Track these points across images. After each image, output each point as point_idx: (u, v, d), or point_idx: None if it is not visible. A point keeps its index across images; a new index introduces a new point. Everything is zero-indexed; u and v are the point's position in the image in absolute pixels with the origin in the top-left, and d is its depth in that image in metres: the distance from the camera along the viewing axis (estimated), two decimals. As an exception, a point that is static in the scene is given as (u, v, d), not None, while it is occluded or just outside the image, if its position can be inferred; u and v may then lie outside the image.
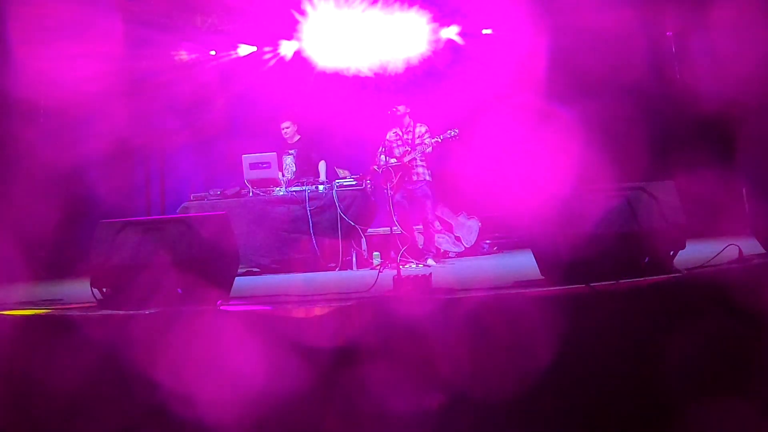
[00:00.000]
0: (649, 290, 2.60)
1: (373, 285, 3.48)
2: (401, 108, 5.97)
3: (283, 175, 6.52)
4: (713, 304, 2.44)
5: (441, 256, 6.55)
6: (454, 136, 5.88)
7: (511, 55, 9.11)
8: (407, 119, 6.06)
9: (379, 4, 8.15)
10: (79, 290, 4.37)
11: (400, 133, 6.05)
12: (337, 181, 6.03)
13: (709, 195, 7.58)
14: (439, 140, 5.89)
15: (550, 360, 2.27)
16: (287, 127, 6.65)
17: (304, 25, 8.55)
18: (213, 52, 9.30)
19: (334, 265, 5.85)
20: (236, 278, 3.67)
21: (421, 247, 6.11)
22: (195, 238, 3.28)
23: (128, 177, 8.52)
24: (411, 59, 8.71)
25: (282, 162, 6.59)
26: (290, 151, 6.63)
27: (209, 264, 3.25)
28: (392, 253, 5.63)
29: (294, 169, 6.55)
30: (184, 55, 9.27)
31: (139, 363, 2.52)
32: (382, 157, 5.90)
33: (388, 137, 6.02)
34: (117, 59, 8.42)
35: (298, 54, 9.12)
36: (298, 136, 6.70)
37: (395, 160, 5.90)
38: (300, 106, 7.52)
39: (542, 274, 3.40)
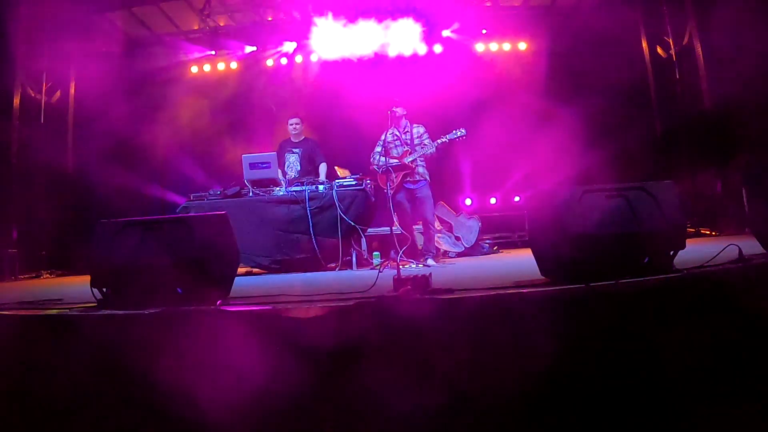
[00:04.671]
0: (649, 290, 2.59)
1: (373, 285, 3.48)
2: (399, 110, 5.95)
3: (285, 173, 6.51)
4: (713, 304, 2.44)
5: (441, 256, 6.55)
6: (461, 137, 5.81)
7: (512, 54, 9.12)
8: (404, 120, 6.04)
9: (378, 10, 8.17)
10: (79, 290, 4.37)
11: (398, 134, 6.04)
12: (337, 181, 6.02)
13: (709, 195, 7.59)
14: (446, 141, 5.83)
15: (550, 360, 2.27)
16: (297, 123, 6.64)
17: (304, 25, 8.57)
18: (213, 52, 9.29)
19: (334, 265, 5.85)
20: (236, 278, 3.67)
21: (421, 247, 6.11)
22: (195, 238, 3.28)
23: (128, 177, 8.53)
24: (411, 59, 8.73)
25: (284, 159, 6.58)
26: (294, 150, 6.62)
27: (209, 264, 3.25)
28: (392, 253, 5.63)
29: (298, 167, 6.55)
30: (184, 56, 9.26)
31: (139, 363, 2.51)
32: (382, 158, 5.89)
33: (385, 138, 6.02)
34: (117, 59, 8.42)
35: (298, 54, 9.13)
36: (303, 136, 6.71)
37: (395, 161, 5.89)
38: (301, 106, 7.53)
39: (542, 274, 3.39)
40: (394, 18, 8.24)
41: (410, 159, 5.89)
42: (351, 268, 5.84)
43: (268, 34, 9.10)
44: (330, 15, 8.26)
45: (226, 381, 2.41)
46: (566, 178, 7.00)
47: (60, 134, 8.73)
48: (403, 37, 8.38)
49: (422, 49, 8.78)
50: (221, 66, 9.32)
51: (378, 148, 6.07)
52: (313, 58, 8.95)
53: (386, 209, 5.74)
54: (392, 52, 8.65)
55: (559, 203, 3.13)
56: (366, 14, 8.25)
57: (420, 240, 6.25)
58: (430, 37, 8.72)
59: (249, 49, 9.20)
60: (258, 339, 2.53)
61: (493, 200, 9.21)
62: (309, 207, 5.82)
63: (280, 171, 6.39)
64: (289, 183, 6.19)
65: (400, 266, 4.90)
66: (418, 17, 8.35)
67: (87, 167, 8.34)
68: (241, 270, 5.62)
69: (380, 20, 8.26)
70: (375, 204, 6.18)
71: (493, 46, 9.13)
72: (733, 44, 6.66)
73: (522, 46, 9.16)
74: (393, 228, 5.65)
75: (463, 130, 5.80)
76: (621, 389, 2.25)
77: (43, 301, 3.75)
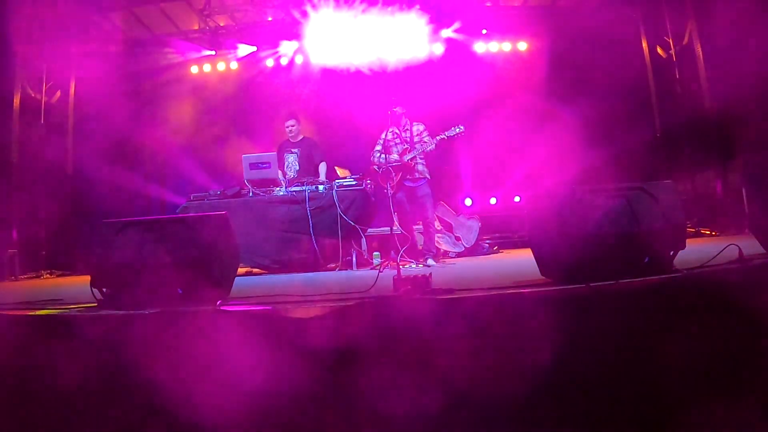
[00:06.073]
0: (649, 290, 2.59)
1: (373, 285, 3.48)
2: (398, 108, 5.96)
3: (285, 174, 6.52)
4: (713, 304, 2.44)
5: (441, 256, 6.55)
6: (459, 133, 5.82)
7: (512, 54, 9.13)
8: (404, 119, 6.05)
9: (379, 5, 8.15)
10: (79, 290, 4.37)
11: (398, 132, 6.05)
12: (337, 181, 6.02)
13: (709, 195, 7.59)
14: (444, 138, 5.84)
15: (550, 360, 2.27)
16: (292, 125, 6.65)
17: (304, 25, 8.57)
18: (213, 52, 9.29)
19: (334, 265, 5.84)
20: (236, 278, 3.67)
21: (421, 247, 6.11)
22: (195, 238, 3.28)
23: (128, 177, 8.54)
24: (411, 58, 8.73)
25: (284, 160, 6.59)
26: (293, 150, 6.63)
27: (209, 264, 3.25)
28: (392, 253, 5.63)
29: (297, 167, 6.55)
30: (183, 56, 9.26)
31: (139, 363, 2.51)
32: (382, 156, 5.89)
33: (385, 137, 6.02)
34: (117, 59, 8.43)
35: (298, 54, 9.13)
36: (302, 136, 6.71)
37: (396, 159, 5.90)
38: (301, 106, 7.54)
39: (542, 274, 3.39)
40: (395, 19, 8.24)
41: (409, 156, 5.90)
42: (351, 268, 5.84)
43: (268, 34, 9.10)
44: (330, 15, 8.26)
45: (226, 381, 2.41)
46: (566, 178, 7.01)
47: (60, 134, 8.73)
48: (403, 38, 8.38)
49: (423, 50, 8.78)
50: (221, 66, 9.32)
51: (378, 147, 6.08)
52: (313, 58, 8.95)
53: (386, 209, 5.74)
54: (393, 53, 8.65)
55: (559, 203, 3.13)
56: (367, 13, 8.25)
57: (420, 240, 6.25)
58: (430, 37, 8.72)
59: (249, 49, 9.20)
60: (258, 339, 2.53)
61: (493, 200, 9.21)
62: (309, 207, 5.81)
63: (280, 171, 6.39)
64: (289, 183, 6.19)
65: (400, 266, 4.90)
66: (418, 18, 8.35)
67: (87, 167, 8.34)
68: (241, 270, 5.62)
69: (381, 20, 8.26)
70: (375, 204, 6.18)
71: (493, 47, 9.14)
72: (733, 44, 6.66)
73: (522, 46, 9.17)
74: (393, 228, 5.65)
75: (461, 127, 5.80)
76: (621, 389, 2.25)
77: (43, 301, 3.75)
